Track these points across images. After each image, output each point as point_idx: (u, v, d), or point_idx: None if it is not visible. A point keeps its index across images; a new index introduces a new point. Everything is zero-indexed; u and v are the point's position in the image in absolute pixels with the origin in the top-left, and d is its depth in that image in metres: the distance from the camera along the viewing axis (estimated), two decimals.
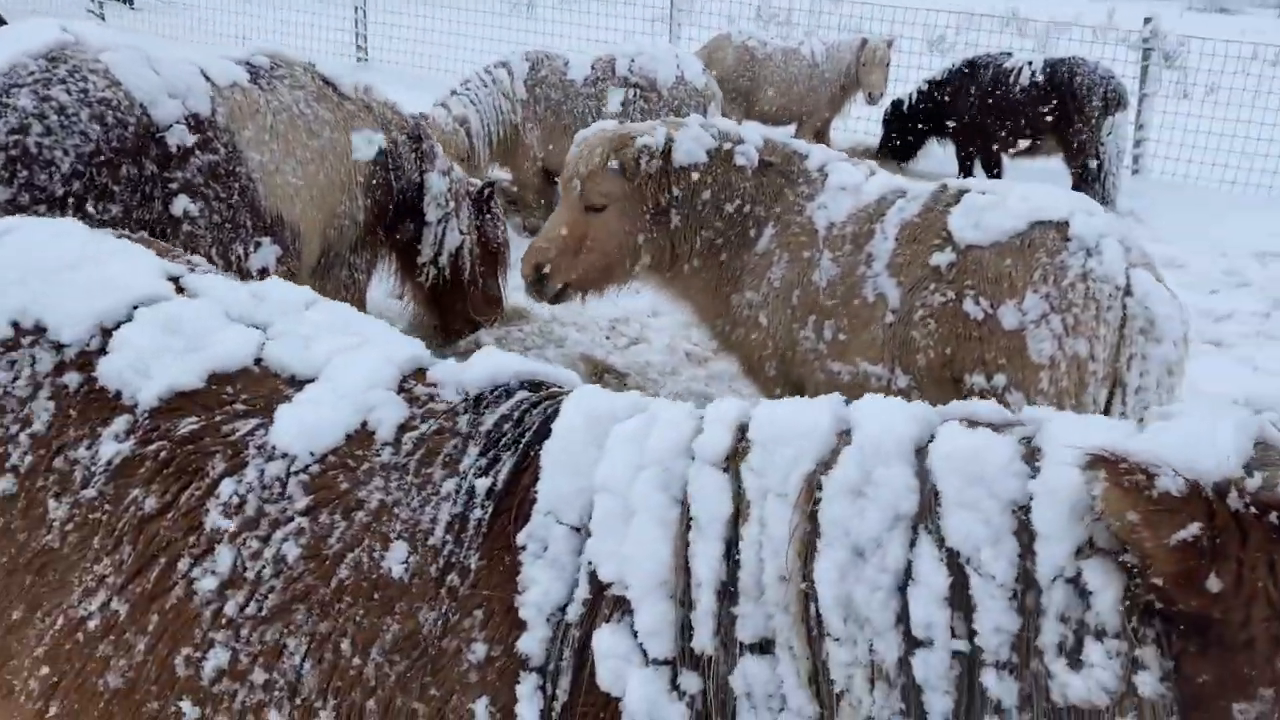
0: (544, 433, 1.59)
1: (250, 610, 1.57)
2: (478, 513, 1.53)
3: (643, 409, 1.58)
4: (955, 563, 1.26)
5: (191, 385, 1.78)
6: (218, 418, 1.74)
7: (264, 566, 1.59)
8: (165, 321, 1.85)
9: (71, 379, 1.82)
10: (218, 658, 1.57)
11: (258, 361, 1.84)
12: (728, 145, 4.46)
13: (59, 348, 1.85)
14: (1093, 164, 10.41)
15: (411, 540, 1.55)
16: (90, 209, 3.73)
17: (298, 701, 1.51)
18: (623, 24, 15.11)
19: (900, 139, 11.72)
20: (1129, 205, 10.62)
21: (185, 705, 1.57)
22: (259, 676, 1.54)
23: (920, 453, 1.34)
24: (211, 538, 1.63)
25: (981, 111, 10.93)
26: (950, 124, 11.32)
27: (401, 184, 4.94)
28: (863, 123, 12.64)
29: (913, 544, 1.28)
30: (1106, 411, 3.70)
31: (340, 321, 1.98)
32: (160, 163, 3.88)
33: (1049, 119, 10.52)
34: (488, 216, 5.58)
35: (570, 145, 5.73)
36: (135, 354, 1.81)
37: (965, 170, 11.39)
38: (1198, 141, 12.01)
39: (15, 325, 1.88)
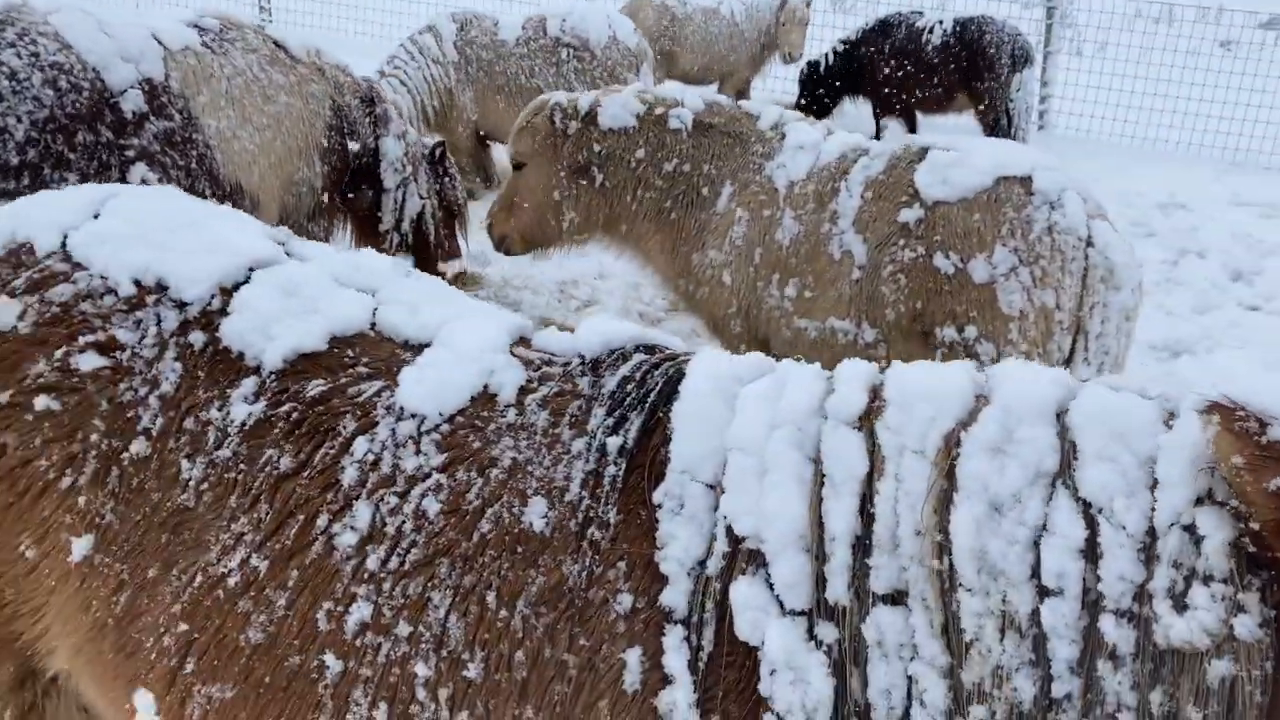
0: (669, 394, 1.63)
1: (392, 565, 1.59)
2: (611, 470, 1.57)
3: (768, 370, 1.63)
4: (1089, 514, 1.32)
5: (314, 347, 1.79)
6: (343, 380, 1.76)
7: (404, 521, 1.61)
8: (283, 284, 1.86)
9: (196, 338, 1.81)
10: (360, 611, 1.59)
11: (372, 326, 1.86)
12: (660, 109, 4.64)
13: (181, 306, 1.85)
14: (1003, 120, 10.73)
15: (549, 496, 1.58)
16: (47, 177, 3.59)
17: (444, 654, 1.54)
18: None
19: (817, 98, 11.87)
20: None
21: (328, 658, 1.59)
22: (403, 629, 1.57)
23: (1061, 415, 1.39)
24: (349, 494, 1.65)
25: (896, 70, 11.15)
26: (865, 82, 11.52)
27: (357, 149, 4.85)
28: (780, 82, 12.76)
29: (1049, 499, 1.34)
30: (1070, 358, 3.88)
31: (438, 291, 2.00)
32: (116, 129, 3.75)
33: (960, 76, 10.79)
34: (445, 178, 5.51)
35: (503, 105, 6.42)
36: (257, 315, 1.81)
37: (879, 125, 11.63)
38: (1099, 97, 12.50)
39: (138, 283, 1.86)
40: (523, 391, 1.73)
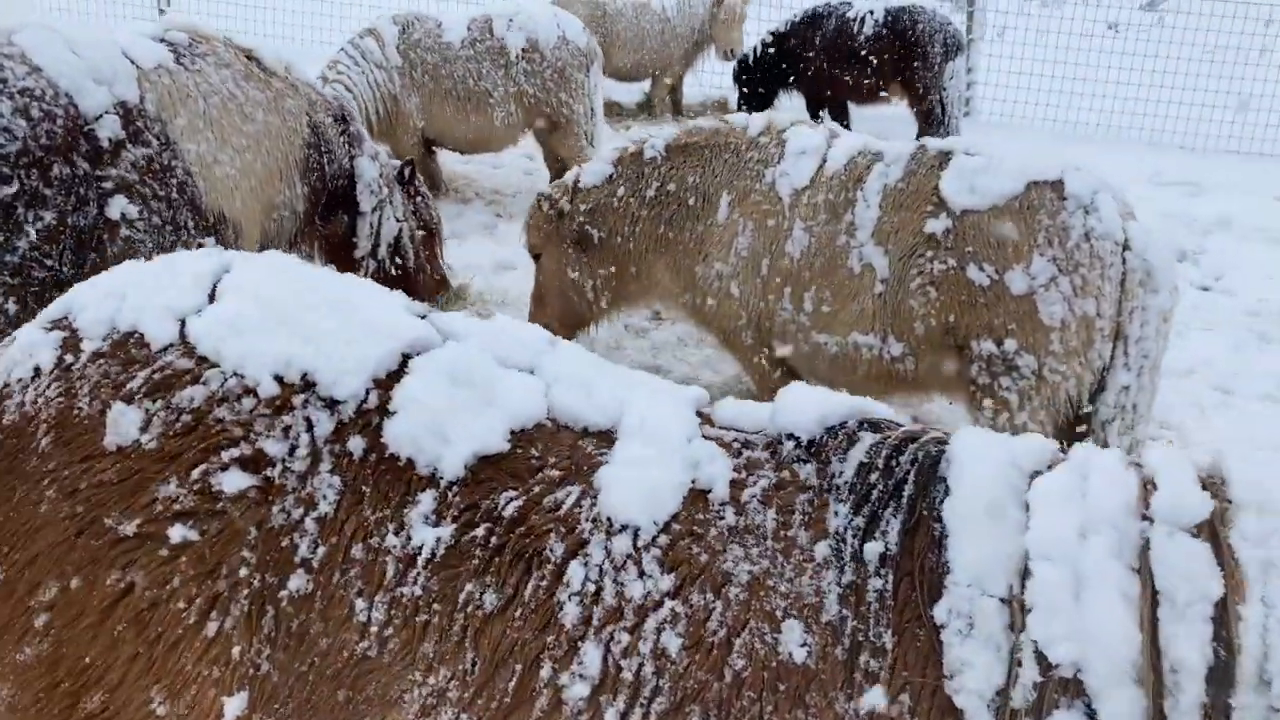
0: (926, 485, 1.43)
1: (636, 718, 1.36)
2: (876, 582, 1.38)
3: (1054, 456, 1.44)
4: None
5: (496, 449, 1.55)
6: (535, 488, 1.51)
7: (642, 664, 1.39)
8: (448, 371, 1.60)
9: (355, 445, 1.55)
10: None
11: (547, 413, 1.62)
12: (633, 148, 4.72)
13: (333, 406, 1.58)
14: (937, 109, 10.79)
15: (802, 617, 1.38)
16: (21, 217, 3.22)
17: None
18: None
19: (752, 92, 11.77)
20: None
21: None
22: None
23: None
24: (572, 635, 1.42)
25: (828, 61, 11.11)
26: (797, 75, 11.45)
27: (333, 170, 4.52)
28: (712, 76, 12.62)
29: None
30: (1110, 364, 3.82)
31: (590, 361, 1.76)
32: (91, 159, 3.38)
33: (893, 66, 10.81)
34: (417, 197, 5.21)
35: (451, 111, 7.20)
36: (426, 413, 1.55)
37: (813, 117, 11.58)
38: (1017, 82, 12.70)
39: (280, 380, 1.58)
40: (735, 486, 1.51)
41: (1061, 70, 12.64)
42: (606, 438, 1.59)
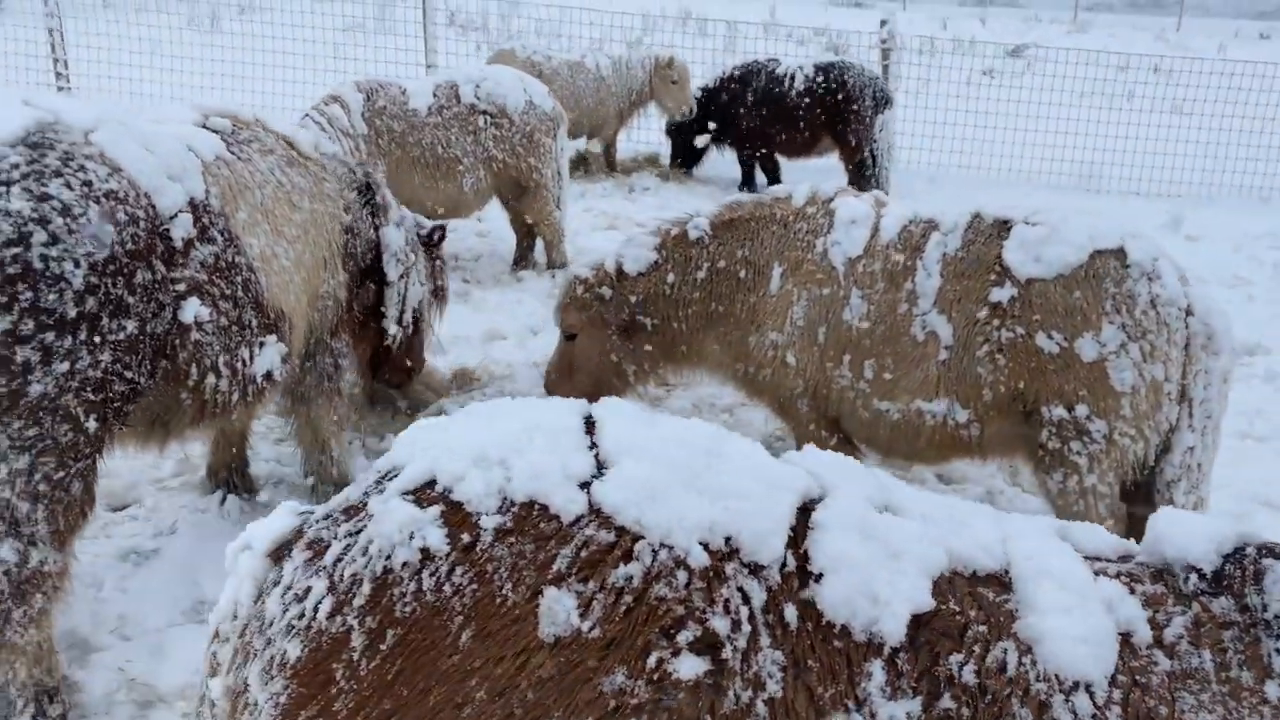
0: None
1: None
2: None
3: None
4: None
5: (927, 606, 1.47)
6: (974, 648, 1.44)
7: None
8: (854, 525, 1.51)
9: (790, 615, 1.44)
10: None
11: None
12: (676, 230, 4.69)
13: (757, 571, 1.47)
14: (868, 161, 11.10)
15: None
16: (106, 328, 2.97)
17: None
18: (318, 34, 14.37)
19: (683, 147, 11.90)
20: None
21: None
22: None
23: None
24: None
25: (761, 116, 11.32)
26: (729, 130, 11.63)
27: (362, 247, 4.33)
28: (644, 133, 12.70)
29: None
30: (1175, 426, 3.93)
31: (936, 497, 1.69)
32: (167, 261, 3.16)
33: (826, 120, 11.09)
34: (436, 261, 5.01)
35: (420, 178, 7.19)
36: (854, 573, 1.46)
37: (747, 172, 11.77)
38: (935, 131, 13.19)
39: (706, 548, 1.46)
40: (1154, 626, 1.47)
41: (956, 117, 13.19)
42: (1000, 582, 1.53)
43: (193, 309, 3.23)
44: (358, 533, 1.52)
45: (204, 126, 3.66)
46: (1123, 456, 3.94)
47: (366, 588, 1.43)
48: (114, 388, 3.06)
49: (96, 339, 2.95)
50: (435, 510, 1.49)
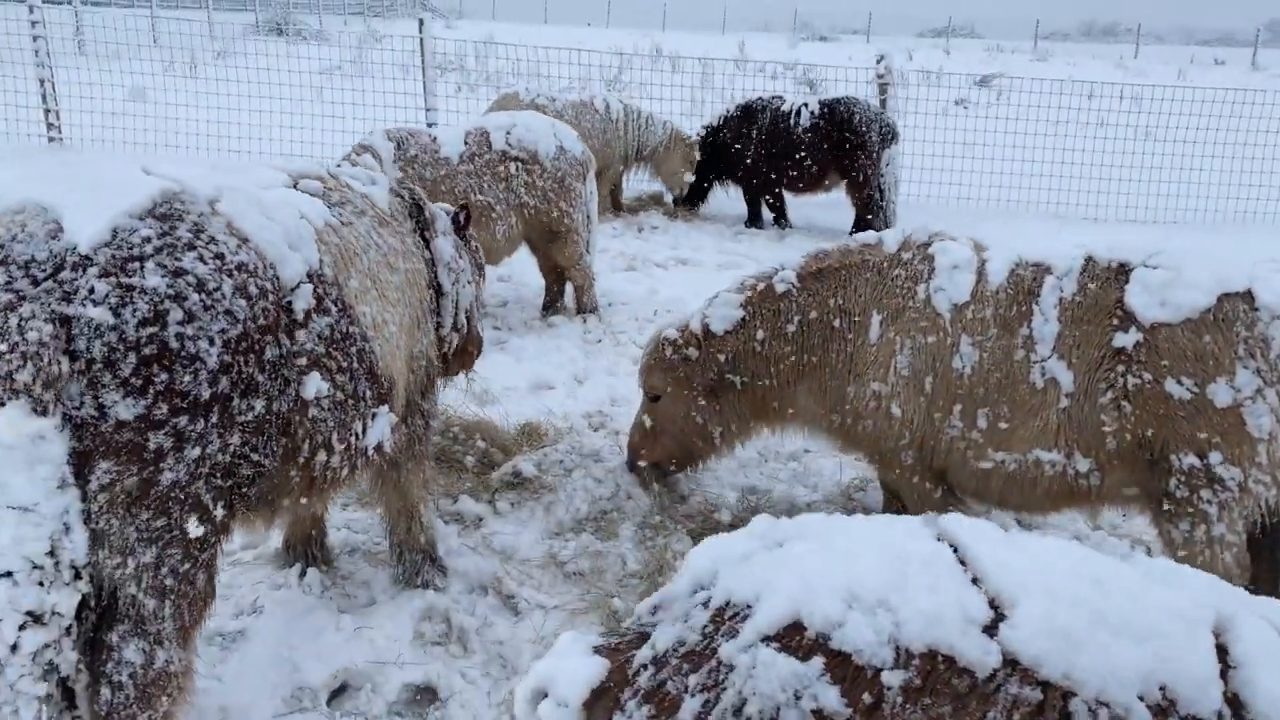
0: None
1: None
2: None
3: None
4: None
5: None
6: None
7: None
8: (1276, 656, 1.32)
9: None
10: None
11: None
12: (761, 284, 4.60)
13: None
14: (876, 196, 11.07)
15: None
16: (236, 409, 2.74)
17: None
18: (295, 78, 14.29)
19: (689, 186, 11.80)
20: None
21: None
22: None
23: None
24: None
25: (767, 153, 11.27)
26: (734, 168, 11.56)
27: (429, 273, 4.08)
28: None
29: None
30: None
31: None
32: (290, 334, 2.94)
33: (833, 156, 11.05)
34: (472, 242, 4.64)
35: None
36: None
37: (754, 209, 11.69)
38: (923, 163, 13.22)
39: (1142, 699, 1.32)
40: None
41: (942, 149, 13.23)
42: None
43: (314, 384, 3.01)
44: (718, 686, 1.31)
45: (295, 188, 3.45)
46: (1255, 504, 3.82)
47: None
48: (241, 471, 2.83)
49: (227, 421, 2.72)
50: (818, 663, 1.29)
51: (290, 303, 2.94)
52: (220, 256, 2.72)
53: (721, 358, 4.60)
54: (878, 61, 12.93)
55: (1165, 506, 3.92)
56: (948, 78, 22.79)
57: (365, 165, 6.72)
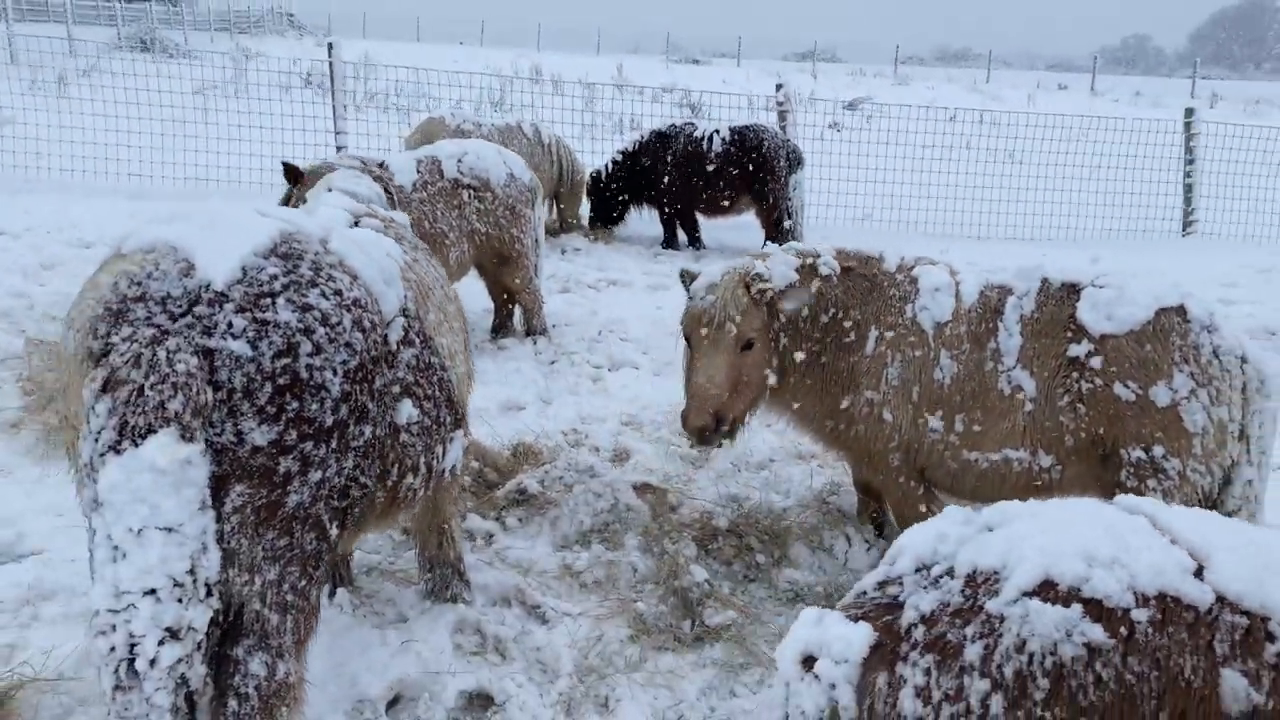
0: None
1: None
2: None
3: None
4: None
5: None
6: None
7: None
8: None
9: None
10: None
11: None
12: (810, 260, 4.80)
13: None
14: (785, 217, 11.69)
15: None
16: (351, 435, 2.98)
17: None
18: (171, 98, 14.25)
19: (605, 207, 12.19)
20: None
21: None
22: None
23: None
24: None
25: (681, 177, 11.76)
26: (649, 191, 12.01)
27: None
28: None
29: None
30: (1235, 462, 4.44)
31: None
32: (390, 364, 3.19)
33: (744, 180, 11.62)
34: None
35: None
36: None
37: (669, 232, 12.15)
38: (825, 187, 13.96)
39: None
40: None
41: (824, 172, 14.00)
42: None
43: (406, 411, 3.26)
44: (994, 633, 1.69)
45: (357, 224, 3.69)
46: (1193, 491, 4.41)
47: (1043, 682, 1.60)
48: (352, 493, 3.06)
49: (344, 446, 2.96)
50: (1078, 609, 1.69)
51: (387, 335, 3.19)
52: (339, 293, 2.96)
53: (784, 311, 4.64)
54: (777, 89, 13.61)
55: (1117, 495, 4.47)
56: (819, 104, 23.85)
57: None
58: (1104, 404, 4.39)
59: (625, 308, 9.04)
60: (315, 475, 2.90)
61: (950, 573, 1.85)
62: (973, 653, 1.68)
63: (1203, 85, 41.87)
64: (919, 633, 1.76)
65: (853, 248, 4.90)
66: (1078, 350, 4.43)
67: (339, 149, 13.16)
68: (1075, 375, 4.43)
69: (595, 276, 10.23)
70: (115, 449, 2.59)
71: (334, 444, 2.92)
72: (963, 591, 1.79)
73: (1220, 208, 14.99)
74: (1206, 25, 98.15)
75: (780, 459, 6.13)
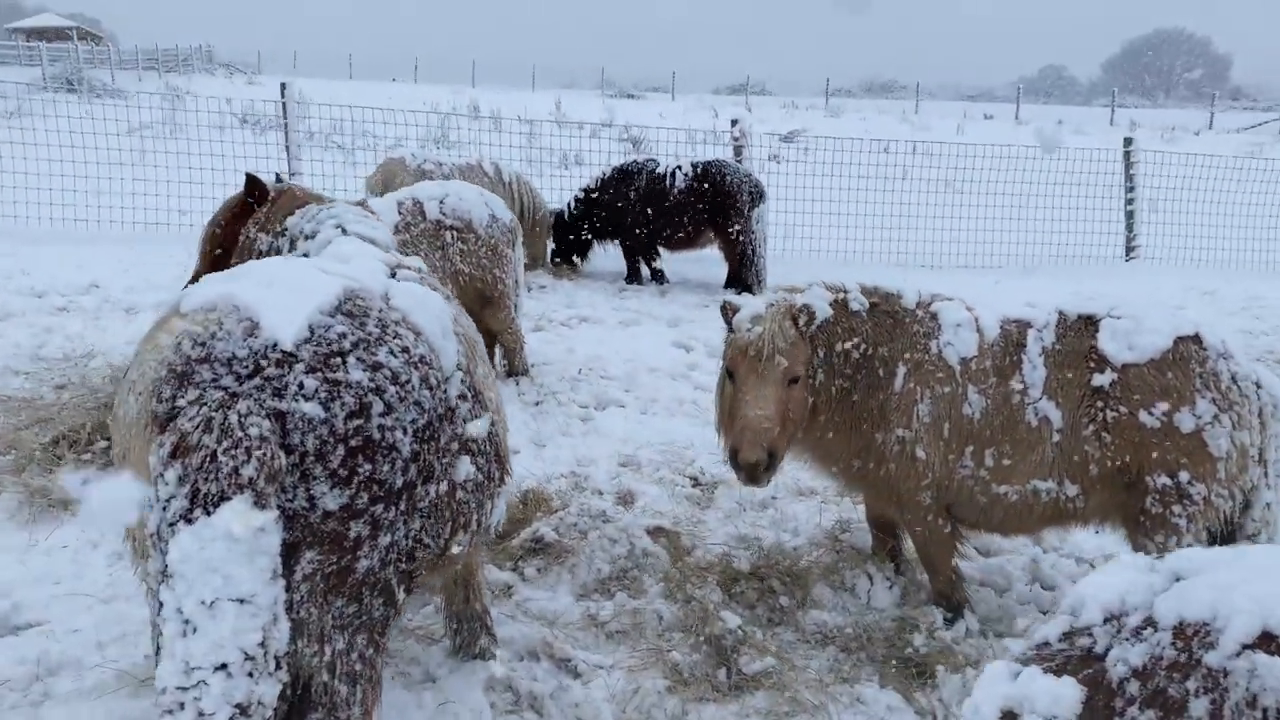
0: None
1: None
2: None
3: None
4: None
5: None
6: None
7: None
8: None
9: None
10: None
11: None
12: (840, 295, 4.76)
13: None
14: (748, 250, 11.73)
15: None
16: (418, 497, 2.85)
17: None
18: (105, 140, 13.98)
19: (569, 243, 12.12)
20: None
21: None
22: None
23: None
24: None
25: (645, 213, 11.76)
26: (613, 227, 11.99)
27: None
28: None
29: None
30: (1255, 486, 4.50)
31: None
32: (450, 421, 3.06)
33: (708, 214, 11.66)
34: None
35: None
36: None
37: (633, 267, 12.12)
38: (784, 220, 14.09)
39: None
40: None
41: (778, 205, 14.14)
42: None
43: (464, 468, 3.13)
44: (1219, 688, 1.64)
45: (393, 275, 3.57)
46: (1216, 515, 4.46)
47: None
48: (418, 555, 2.93)
49: (411, 507, 2.83)
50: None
51: (447, 391, 3.07)
52: (406, 350, 2.84)
53: (819, 350, 4.59)
54: (733, 125, 13.74)
55: (1142, 521, 4.51)
56: (757, 138, 24.13)
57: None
58: (1129, 432, 4.42)
59: (601, 345, 8.96)
60: (385, 539, 2.77)
61: (1151, 624, 1.80)
62: (1199, 709, 1.63)
63: (1120, 113, 43.36)
64: (1133, 687, 1.71)
65: (870, 283, 4.88)
66: (1101, 380, 4.47)
67: None
68: (1100, 404, 4.46)
69: (566, 314, 10.14)
70: (187, 518, 2.44)
71: (403, 506, 2.80)
72: (1174, 644, 1.74)
73: (1160, 233, 15.46)
74: (1119, 56, 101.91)
75: (783, 496, 6.08)
